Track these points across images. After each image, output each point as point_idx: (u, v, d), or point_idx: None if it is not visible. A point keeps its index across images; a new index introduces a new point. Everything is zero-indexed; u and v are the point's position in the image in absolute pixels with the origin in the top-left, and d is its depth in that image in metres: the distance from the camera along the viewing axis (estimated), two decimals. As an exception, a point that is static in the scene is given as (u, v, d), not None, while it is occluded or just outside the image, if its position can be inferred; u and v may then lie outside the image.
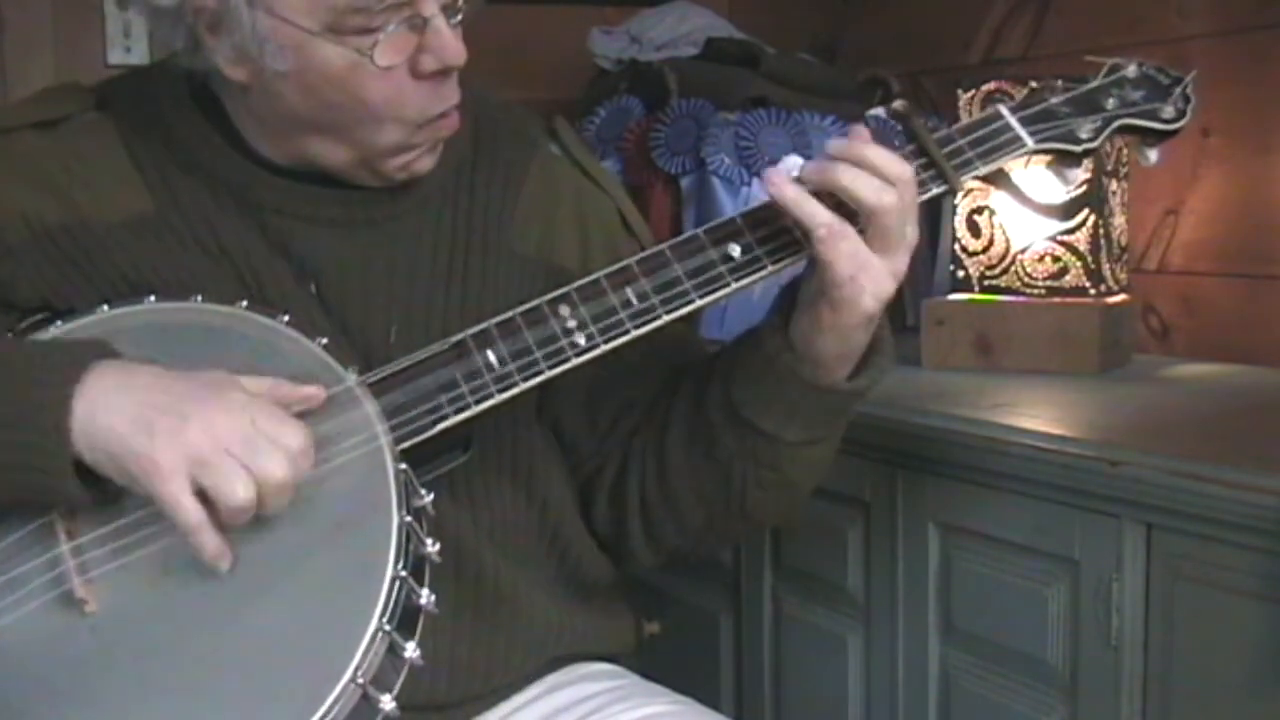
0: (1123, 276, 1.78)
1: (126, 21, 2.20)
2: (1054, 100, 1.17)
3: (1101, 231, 1.72)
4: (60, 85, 1.26)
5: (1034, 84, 1.19)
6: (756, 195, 1.95)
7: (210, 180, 1.16)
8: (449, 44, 1.09)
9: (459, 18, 1.11)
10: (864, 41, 2.44)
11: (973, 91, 1.74)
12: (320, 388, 1.05)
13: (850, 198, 1.07)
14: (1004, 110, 1.16)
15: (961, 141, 1.14)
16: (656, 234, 1.35)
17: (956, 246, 1.80)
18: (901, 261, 1.10)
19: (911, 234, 1.10)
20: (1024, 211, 1.74)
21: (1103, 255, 1.72)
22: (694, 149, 2.01)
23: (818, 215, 1.07)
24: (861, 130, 1.11)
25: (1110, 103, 1.18)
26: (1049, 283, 1.74)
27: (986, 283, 1.77)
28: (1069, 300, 1.72)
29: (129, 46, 2.21)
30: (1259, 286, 1.78)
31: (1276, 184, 1.76)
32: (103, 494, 1.01)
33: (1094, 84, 1.19)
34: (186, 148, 1.17)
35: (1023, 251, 1.75)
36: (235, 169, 1.16)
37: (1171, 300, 1.89)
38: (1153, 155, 1.21)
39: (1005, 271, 1.76)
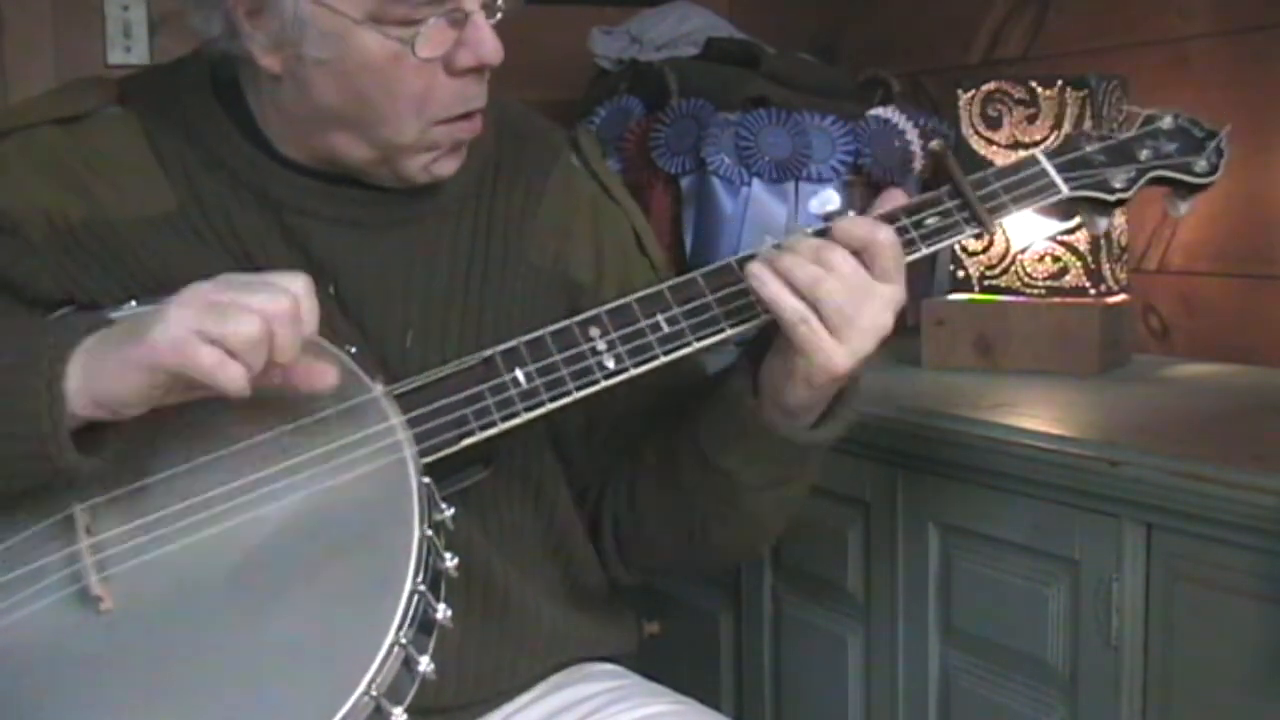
0: (1123, 276, 1.78)
1: (126, 21, 2.20)
2: (1090, 149, 1.18)
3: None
4: (82, 80, 1.24)
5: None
6: (756, 195, 1.95)
7: (232, 178, 1.16)
8: (487, 40, 1.10)
9: (498, 16, 1.11)
10: (864, 41, 2.44)
11: (973, 91, 1.74)
12: (331, 368, 1.03)
13: (789, 282, 1.06)
14: (1040, 157, 1.17)
15: (996, 185, 1.15)
16: (656, 234, 1.35)
17: (956, 246, 1.80)
18: (877, 321, 1.07)
19: (887, 292, 1.07)
20: (1024, 211, 1.74)
21: (1103, 255, 1.73)
22: (694, 149, 2.01)
23: (783, 302, 1.06)
24: (890, 198, 1.10)
25: (1145, 154, 1.19)
26: (1049, 283, 1.74)
27: (986, 283, 1.77)
28: (1069, 300, 1.72)
29: (129, 46, 2.22)
30: (1259, 286, 1.78)
31: (1276, 184, 1.76)
32: (110, 501, 1.00)
33: (1129, 134, 1.20)
34: (208, 144, 1.17)
35: (1023, 251, 1.75)
36: (256, 167, 1.16)
37: (1171, 300, 1.89)
38: (1184, 207, 1.22)
39: (1005, 271, 1.76)
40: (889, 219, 1.12)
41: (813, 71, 2.18)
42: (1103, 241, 1.72)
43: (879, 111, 2.06)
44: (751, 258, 1.10)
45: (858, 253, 1.07)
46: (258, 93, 1.16)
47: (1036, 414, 1.47)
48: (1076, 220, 1.71)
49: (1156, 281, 1.90)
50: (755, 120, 2.00)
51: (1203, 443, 1.33)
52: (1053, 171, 1.16)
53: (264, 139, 1.17)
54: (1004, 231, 1.75)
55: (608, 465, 1.26)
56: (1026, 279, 1.75)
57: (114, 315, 1.05)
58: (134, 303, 1.09)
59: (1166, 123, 1.20)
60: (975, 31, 2.19)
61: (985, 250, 1.77)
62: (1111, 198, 1.18)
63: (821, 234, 1.10)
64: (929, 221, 1.14)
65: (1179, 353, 1.88)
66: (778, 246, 1.09)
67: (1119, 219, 1.77)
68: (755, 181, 1.96)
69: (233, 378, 0.95)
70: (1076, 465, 1.31)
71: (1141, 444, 1.30)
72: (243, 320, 0.95)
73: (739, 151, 1.97)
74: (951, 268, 1.81)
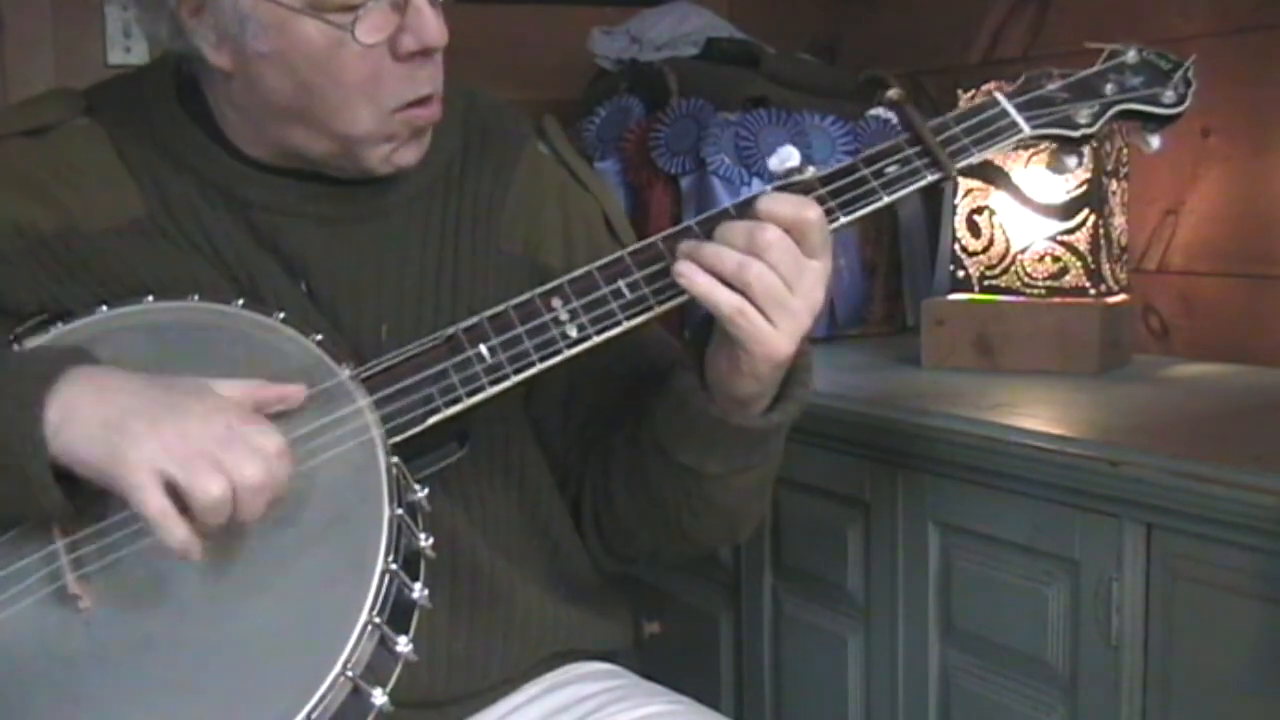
0: (1123, 276, 1.78)
1: (126, 22, 2.20)
2: (1051, 87, 1.16)
3: (1101, 231, 1.72)
4: (48, 92, 1.26)
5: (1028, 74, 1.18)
6: (757, 195, 1.95)
7: (199, 180, 1.17)
8: (430, 24, 1.09)
9: None
10: (864, 41, 2.44)
11: (973, 91, 1.73)
12: (300, 386, 1.05)
13: (717, 273, 1.05)
14: (1000, 97, 1.16)
15: (957, 129, 1.13)
16: (656, 234, 1.35)
17: (956, 246, 1.80)
18: (810, 298, 1.07)
19: (818, 267, 1.07)
20: (1024, 211, 1.74)
21: (1103, 255, 1.72)
22: (694, 149, 2.01)
23: (716, 295, 1.05)
24: (763, 200, 1.08)
25: (1109, 88, 1.17)
26: (1049, 283, 1.74)
27: (986, 283, 1.77)
28: (1069, 300, 1.72)
29: (129, 47, 2.21)
30: (1259, 286, 1.78)
31: (1276, 184, 1.76)
32: (84, 501, 1.01)
33: (1092, 70, 1.18)
34: (175, 149, 1.17)
35: (1023, 251, 1.75)
36: (222, 168, 1.17)
37: (1171, 300, 1.89)
38: (1155, 141, 1.20)
39: (1005, 271, 1.76)
40: (848, 170, 1.12)
41: (813, 71, 2.18)
42: (1103, 241, 1.72)
43: (879, 111, 2.06)
44: (713, 217, 1.10)
45: (786, 231, 1.06)
46: (215, 93, 1.17)
47: (1036, 414, 1.47)
48: (1077, 220, 1.72)
49: (1156, 281, 1.90)
50: (755, 120, 2.00)
51: (1203, 443, 1.33)
52: (1013, 111, 1.15)
53: (229, 140, 1.17)
54: (1004, 231, 1.75)
55: (584, 454, 1.26)
56: (1026, 279, 1.75)
57: (81, 325, 1.07)
58: (104, 307, 1.10)
59: (1131, 57, 1.19)
60: (975, 31, 2.19)
61: (985, 250, 1.77)
62: (1076, 134, 1.16)
63: (744, 207, 1.09)
64: (889, 170, 1.12)
65: (1179, 353, 1.87)
66: (709, 234, 1.08)
67: (1119, 219, 1.77)
68: (755, 181, 1.96)
69: (172, 536, 0.97)
70: (1076, 465, 1.31)
71: (1141, 444, 1.30)
72: (210, 483, 0.96)
73: (739, 151, 1.97)
74: (951, 268, 1.81)
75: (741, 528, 1.27)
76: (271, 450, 0.99)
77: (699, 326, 1.15)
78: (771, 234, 1.05)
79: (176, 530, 0.96)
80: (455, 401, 1.07)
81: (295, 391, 1.05)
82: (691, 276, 1.06)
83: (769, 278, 1.05)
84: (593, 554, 1.29)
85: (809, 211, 1.07)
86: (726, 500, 1.20)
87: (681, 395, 1.14)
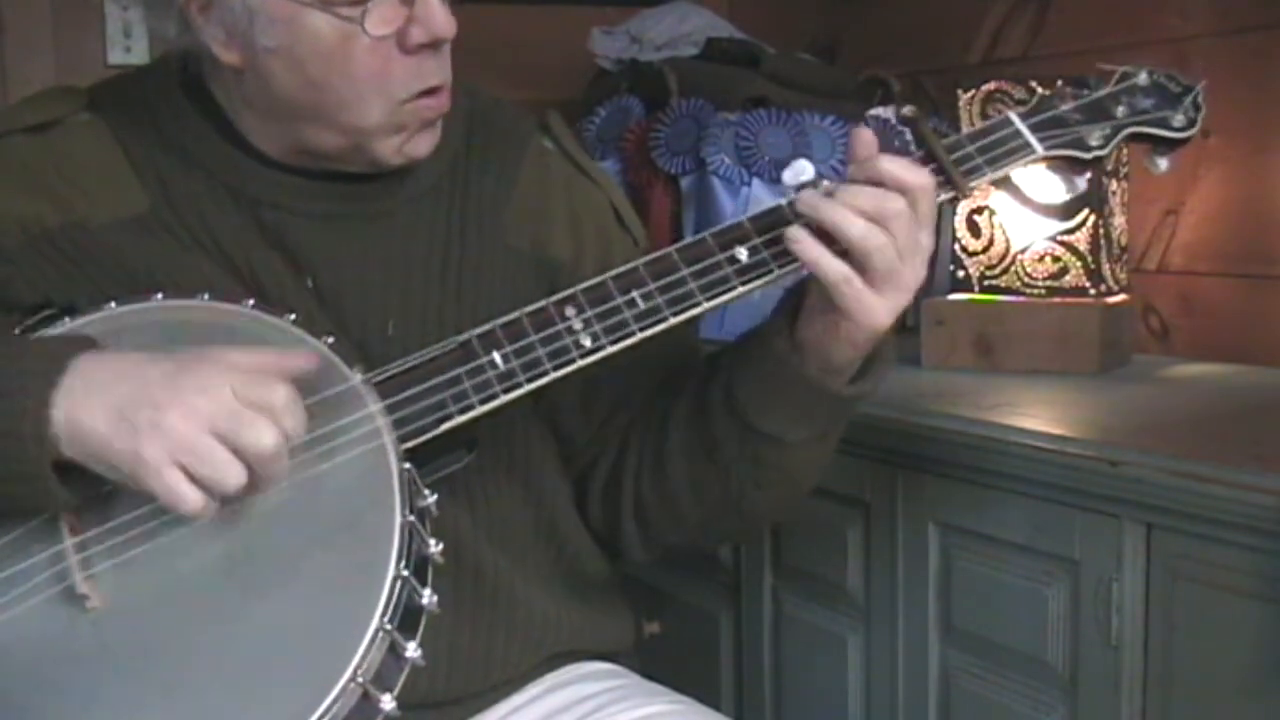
0: (1123, 276, 1.78)
1: (126, 21, 2.20)
2: (1064, 107, 1.17)
3: (1101, 231, 1.72)
4: (52, 88, 1.26)
5: (1037, 85, 1.19)
6: (756, 195, 1.96)
7: (205, 176, 1.17)
8: (438, 15, 1.10)
9: None
10: (864, 41, 2.44)
11: (973, 91, 1.74)
12: (313, 353, 1.05)
13: (840, 238, 1.06)
14: (1014, 117, 1.16)
15: (970, 148, 1.14)
16: (656, 234, 1.35)
17: (956, 246, 1.80)
18: (918, 272, 1.09)
19: (926, 242, 1.09)
20: (1024, 211, 1.74)
21: (1103, 255, 1.73)
22: (694, 149, 2.01)
23: (824, 264, 1.06)
24: (862, 140, 1.09)
25: (1120, 110, 1.18)
26: (1049, 283, 1.74)
27: (986, 283, 1.77)
28: (1069, 300, 1.72)
29: (129, 46, 2.22)
30: (1259, 286, 1.78)
31: (1276, 184, 1.76)
32: (94, 492, 1.01)
33: (1104, 91, 1.18)
34: (180, 144, 1.17)
35: (1023, 251, 1.75)
36: (229, 163, 1.17)
37: (1171, 300, 1.89)
38: (1163, 164, 1.21)
39: (1005, 271, 1.76)
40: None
41: (813, 71, 2.18)
42: (1103, 241, 1.72)
43: (879, 111, 2.06)
44: (727, 230, 1.10)
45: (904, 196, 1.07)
46: (225, 90, 1.17)
47: (1036, 414, 1.47)
48: (1077, 220, 1.72)
49: (1156, 281, 1.90)
50: (755, 120, 2.00)
51: (1203, 443, 1.33)
52: (1027, 131, 1.15)
53: (237, 135, 1.17)
54: (1004, 231, 1.75)
55: (611, 447, 1.25)
56: (1026, 279, 1.75)
57: (89, 321, 1.07)
58: (113, 304, 1.10)
59: (1142, 79, 1.19)
60: (975, 31, 2.19)
61: (985, 250, 1.77)
62: (1088, 155, 1.17)
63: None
64: None
65: (1179, 353, 1.88)
66: (829, 194, 1.08)
67: (1118, 219, 1.77)
68: (755, 181, 1.96)
69: (191, 505, 0.97)
70: (1076, 465, 1.31)
71: (1141, 444, 1.30)
72: (227, 473, 0.96)
73: (739, 151, 1.97)
74: (951, 268, 1.81)
75: (797, 501, 1.27)
76: (279, 405, 0.98)
77: (787, 294, 1.15)
78: (899, 204, 1.06)
79: (195, 502, 0.97)
80: (468, 409, 1.07)
81: (307, 358, 1.04)
82: (804, 243, 1.06)
83: (889, 251, 1.06)
84: (626, 543, 1.28)
85: (924, 178, 1.08)
86: (795, 468, 1.20)
87: (774, 361, 1.14)
